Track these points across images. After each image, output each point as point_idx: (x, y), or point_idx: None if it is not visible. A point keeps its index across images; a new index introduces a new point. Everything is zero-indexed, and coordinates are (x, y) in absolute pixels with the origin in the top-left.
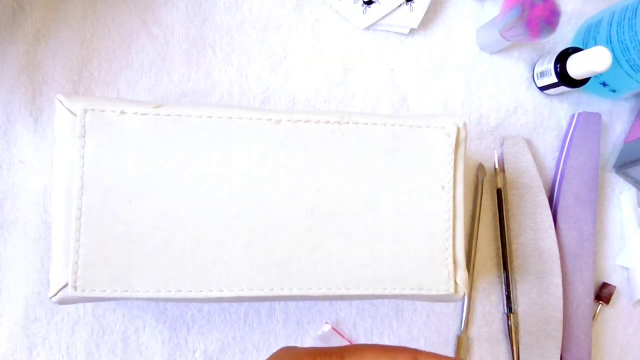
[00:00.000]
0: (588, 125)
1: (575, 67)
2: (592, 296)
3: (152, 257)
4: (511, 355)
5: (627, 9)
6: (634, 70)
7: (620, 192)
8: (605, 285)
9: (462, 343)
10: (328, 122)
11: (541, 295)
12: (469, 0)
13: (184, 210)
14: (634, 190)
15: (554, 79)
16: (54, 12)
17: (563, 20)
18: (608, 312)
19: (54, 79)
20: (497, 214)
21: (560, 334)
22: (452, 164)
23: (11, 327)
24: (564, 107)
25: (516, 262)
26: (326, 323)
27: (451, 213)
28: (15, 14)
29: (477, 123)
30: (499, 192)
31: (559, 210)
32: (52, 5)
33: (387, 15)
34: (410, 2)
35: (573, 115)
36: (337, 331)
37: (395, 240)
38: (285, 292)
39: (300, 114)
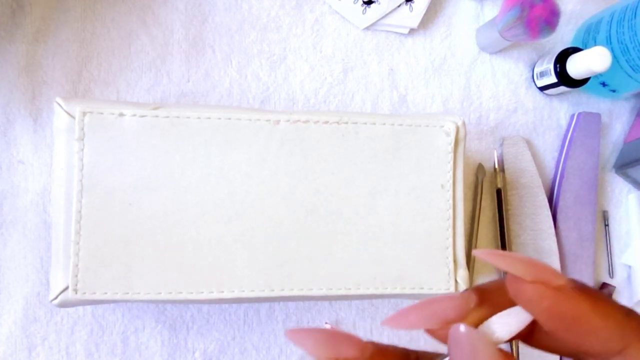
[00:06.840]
0: (587, 125)
1: (575, 66)
2: None
3: (152, 258)
4: None
5: (627, 8)
6: (634, 70)
7: (620, 192)
8: (604, 285)
9: None
10: (327, 122)
11: None
12: (468, 0)
13: (183, 211)
14: None
15: (553, 78)
16: (53, 12)
17: (562, 20)
18: None
19: (53, 79)
20: (497, 214)
21: None
22: (451, 162)
23: (10, 327)
24: (563, 106)
25: None
26: (325, 323)
27: (451, 211)
28: (14, 13)
29: (476, 123)
30: (498, 192)
31: (559, 210)
32: (51, 5)
33: (386, 15)
34: (410, 2)
35: (572, 115)
36: None
37: (395, 240)
38: (286, 293)
39: (299, 114)
